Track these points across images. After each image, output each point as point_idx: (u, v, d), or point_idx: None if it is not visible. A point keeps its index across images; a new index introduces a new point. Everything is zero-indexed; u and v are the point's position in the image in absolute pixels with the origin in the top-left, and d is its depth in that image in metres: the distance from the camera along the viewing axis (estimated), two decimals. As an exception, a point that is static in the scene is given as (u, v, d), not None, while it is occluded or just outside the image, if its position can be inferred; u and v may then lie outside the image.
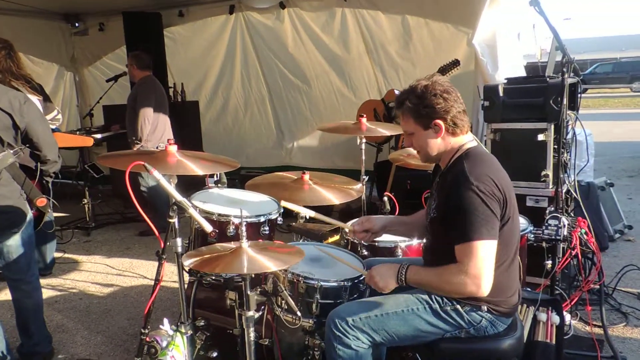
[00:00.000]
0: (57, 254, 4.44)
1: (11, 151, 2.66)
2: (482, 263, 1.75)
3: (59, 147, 3.53)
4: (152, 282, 3.99)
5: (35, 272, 2.97)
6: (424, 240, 2.23)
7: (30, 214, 2.82)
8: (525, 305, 2.53)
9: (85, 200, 5.43)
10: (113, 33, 6.56)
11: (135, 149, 4.78)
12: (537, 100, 3.36)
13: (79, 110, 7.53)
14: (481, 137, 4.20)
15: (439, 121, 1.89)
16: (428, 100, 1.88)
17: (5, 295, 3.80)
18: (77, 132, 5.70)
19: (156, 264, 2.18)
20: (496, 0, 4.11)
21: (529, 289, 2.81)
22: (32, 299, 2.93)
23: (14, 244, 2.79)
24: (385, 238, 2.47)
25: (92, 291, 3.96)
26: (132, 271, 4.33)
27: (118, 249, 4.95)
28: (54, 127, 4.32)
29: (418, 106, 1.90)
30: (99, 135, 5.49)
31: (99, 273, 4.34)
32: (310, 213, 2.52)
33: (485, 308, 1.88)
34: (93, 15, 6.78)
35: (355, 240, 2.52)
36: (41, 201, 2.84)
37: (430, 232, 2.05)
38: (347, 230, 2.47)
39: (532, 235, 2.82)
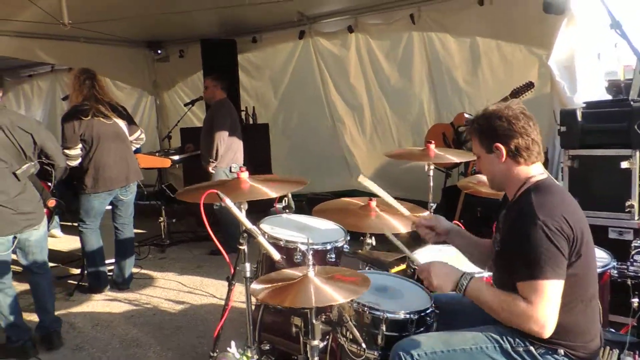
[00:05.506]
0: (134, 269, 4.69)
1: (32, 163, 3.23)
2: (550, 304, 1.67)
3: (140, 167, 4.35)
4: (220, 301, 4.16)
5: (46, 259, 3.49)
6: (492, 275, 2.15)
7: (44, 214, 3.40)
8: (608, 348, 2.35)
9: (162, 219, 5.73)
10: (191, 59, 6.94)
11: (209, 167, 5.01)
12: (621, 125, 3.17)
13: (158, 132, 8.00)
14: (558, 164, 4.00)
15: (500, 145, 1.84)
16: (492, 122, 1.85)
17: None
18: (157, 154, 6.05)
19: (225, 283, 2.25)
20: (573, 20, 3.95)
21: (612, 330, 2.61)
22: (47, 279, 3.48)
23: (34, 239, 3.33)
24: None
25: (164, 307, 4.14)
26: (202, 289, 4.49)
27: (190, 266, 5.15)
28: (137, 146, 4.60)
29: (482, 127, 1.89)
30: (176, 157, 5.79)
31: (172, 290, 4.53)
32: (387, 198, 2.46)
33: (562, 352, 1.76)
34: (174, 43, 7.23)
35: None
36: (51, 202, 3.44)
37: (496, 266, 1.97)
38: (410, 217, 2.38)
39: (616, 271, 2.63)
